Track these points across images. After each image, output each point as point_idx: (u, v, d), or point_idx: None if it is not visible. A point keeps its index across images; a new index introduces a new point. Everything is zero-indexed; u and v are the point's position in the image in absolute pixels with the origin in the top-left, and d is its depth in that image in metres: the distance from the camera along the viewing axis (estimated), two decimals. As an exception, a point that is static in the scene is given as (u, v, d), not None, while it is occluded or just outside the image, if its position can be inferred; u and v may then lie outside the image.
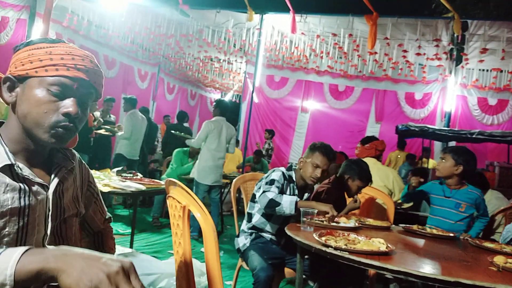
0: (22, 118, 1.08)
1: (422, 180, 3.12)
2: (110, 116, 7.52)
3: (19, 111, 1.09)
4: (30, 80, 1.08)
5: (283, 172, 2.84)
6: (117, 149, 6.84)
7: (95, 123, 6.64)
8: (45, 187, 1.11)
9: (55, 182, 1.14)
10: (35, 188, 1.08)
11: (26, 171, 1.07)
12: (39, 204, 1.09)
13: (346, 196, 3.29)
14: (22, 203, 1.04)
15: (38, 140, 1.09)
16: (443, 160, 3.01)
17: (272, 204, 2.58)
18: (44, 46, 1.10)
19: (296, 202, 2.56)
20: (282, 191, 2.76)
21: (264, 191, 2.67)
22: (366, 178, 3.13)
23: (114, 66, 10.51)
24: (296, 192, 2.86)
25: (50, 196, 1.12)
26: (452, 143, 7.34)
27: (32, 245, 1.06)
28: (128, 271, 0.79)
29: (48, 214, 1.12)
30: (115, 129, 6.84)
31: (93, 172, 3.74)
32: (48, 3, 4.57)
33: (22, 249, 0.78)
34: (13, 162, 1.05)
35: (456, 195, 2.98)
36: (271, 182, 2.74)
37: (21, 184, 1.05)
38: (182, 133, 6.48)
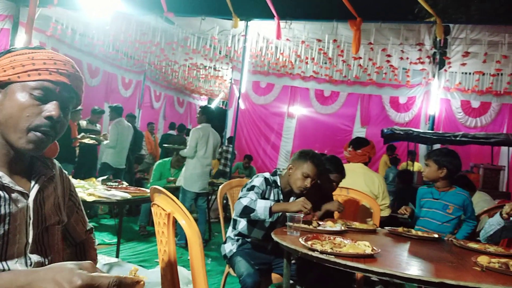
0: (2, 124, 1.08)
1: (409, 210, 3.11)
2: (95, 125, 7.49)
3: (0, 117, 1.08)
4: (12, 85, 1.08)
5: (265, 178, 2.82)
6: (103, 158, 6.79)
7: (79, 136, 6.61)
8: (25, 195, 1.11)
9: (35, 189, 1.14)
10: (15, 195, 1.08)
11: (5, 179, 1.07)
12: (20, 212, 1.08)
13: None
14: (2, 211, 1.03)
15: (15, 146, 1.08)
16: (427, 166, 3.06)
17: (246, 210, 2.57)
18: (26, 52, 1.11)
19: (270, 207, 2.55)
20: (263, 197, 2.75)
21: (240, 197, 2.67)
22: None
23: (98, 74, 10.44)
24: (281, 197, 2.86)
25: (31, 204, 1.11)
26: (437, 146, 7.43)
27: (13, 253, 1.06)
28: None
29: (29, 222, 1.11)
30: (100, 138, 6.80)
31: (77, 182, 3.72)
32: (30, 12, 4.55)
33: None
34: None
35: (444, 197, 3.02)
36: (251, 188, 2.73)
37: (1, 192, 1.04)
38: (175, 145, 6.51)
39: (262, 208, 2.54)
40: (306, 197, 2.61)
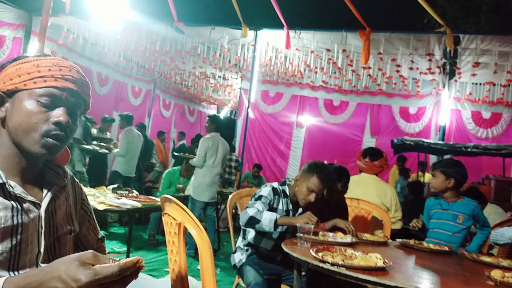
0: (13, 132, 1.09)
1: (421, 223, 3.10)
2: (106, 134, 7.53)
3: (9, 125, 1.09)
4: (19, 93, 1.09)
5: (273, 187, 2.81)
6: (113, 166, 6.82)
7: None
8: (37, 205, 1.11)
9: (47, 199, 1.14)
10: (27, 206, 1.08)
11: (18, 189, 1.07)
12: (32, 222, 1.08)
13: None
14: (15, 222, 1.03)
15: (29, 152, 1.09)
16: (434, 177, 3.04)
17: (252, 221, 2.56)
18: (31, 60, 1.12)
19: (276, 220, 2.53)
20: (271, 207, 2.74)
21: (246, 207, 2.66)
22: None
23: (107, 83, 10.53)
24: (291, 206, 2.85)
25: (43, 214, 1.11)
26: (447, 157, 7.36)
27: (25, 263, 1.06)
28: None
29: (41, 232, 1.11)
30: (111, 146, 6.84)
31: (88, 190, 3.74)
32: (43, 21, 4.60)
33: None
34: (5, 181, 1.05)
35: (453, 207, 2.99)
36: (259, 198, 2.73)
37: (13, 202, 1.04)
38: (186, 154, 6.53)
39: (267, 220, 2.54)
40: (313, 210, 2.61)
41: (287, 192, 2.86)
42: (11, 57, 7.47)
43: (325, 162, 2.99)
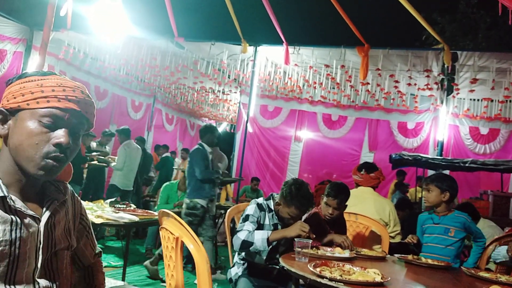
0: (13, 150, 1.09)
1: (416, 238, 3.12)
2: (105, 147, 7.55)
3: (10, 144, 1.10)
4: (21, 112, 1.09)
5: (258, 204, 2.80)
6: (111, 179, 6.81)
7: (93, 158, 6.68)
8: (37, 220, 1.11)
9: (46, 214, 1.14)
10: (27, 220, 1.08)
11: (18, 203, 1.07)
12: (31, 236, 1.08)
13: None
14: (14, 236, 1.03)
15: (28, 173, 1.09)
16: (429, 191, 3.06)
17: (245, 245, 2.56)
18: (35, 79, 1.12)
19: (268, 238, 2.53)
20: (259, 223, 2.73)
21: (237, 231, 2.65)
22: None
23: (105, 97, 10.55)
24: (277, 220, 2.83)
25: (42, 229, 1.11)
26: (446, 172, 7.37)
27: (22, 278, 1.05)
28: None
29: (39, 247, 1.10)
30: (109, 159, 6.84)
31: (85, 204, 3.72)
32: (44, 36, 4.62)
33: None
34: (6, 195, 1.05)
35: (444, 221, 3.03)
36: (246, 218, 2.72)
37: (13, 217, 1.05)
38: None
39: (260, 240, 2.54)
40: (310, 224, 2.60)
41: (272, 207, 2.86)
42: (10, 71, 7.53)
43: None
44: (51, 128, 1.10)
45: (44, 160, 1.08)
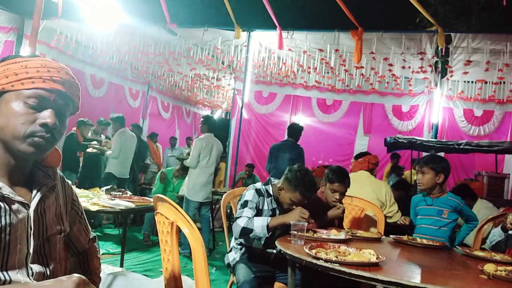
0: (0, 133, 1.08)
1: (408, 220, 3.22)
2: (100, 136, 7.52)
3: None
4: (6, 94, 1.08)
5: (256, 189, 2.80)
6: (107, 168, 6.80)
7: (89, 147, 6.68)
8: (26, 206, 1.10)
9: (36, 200, 1.13)
10: (15, 206, 1.07)
11: (6, 190, 1.06)
12: (20, 222, 1.07)
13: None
14: (3, 222, 1.03)
15: (16, 151, 1.08)
16: (424, 174, 3.06)
17: (245, 232, 2.57)
18: (19, 61, 1.11)
19: (267, 225, 2.54)
20: (257, 209, 2.73)
21: (236, 218, 2.66)
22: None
23: (102, 85, 10.49)
24: (275, 205, 2.85)
25: (32, 214, 1.11)
26: (441, 155, 7.40)
27: (14, 264, 1.05)
28: None
29: (30, 233, 1.10)
30: (104, 148, 6.83)
31: (81, 191, 3.72)
32: (34, 24, 4.57)
33: None
34: None
35: (437, 203, 3.06)
36: (244, 204, 2.71)
37: (1, 203, 1.04)
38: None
39: (259, 227, 2.54)
40: (305, 206, 2.61)
41: (271, 192, 2.86)
42: (2, 61, 7.46)
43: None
44: (37, 109, 1.09)
45: (31, 138, 1.07)
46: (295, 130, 6.28)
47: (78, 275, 0.79)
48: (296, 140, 6.20)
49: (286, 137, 6.48)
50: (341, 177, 3.00)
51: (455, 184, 6.38)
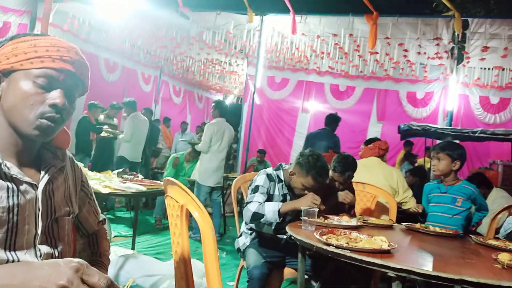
0: (7, 112, 1.07)
1: (421, 207, 3.25)
2: (113, 119, 7.56)
3: (4, 105, 1.07)
4: (15, 73, 1.06)
5: (267, 174, 2.78)
6: (119, 151, 6.84)
7: (104, 131, 6.73)
8: (34, 186, 1.09)
9: (44, 181, 1.12)
10: (23, 187, 1.06)
11: (14, 170, 1.05)
12: (28, 203, 1.06)
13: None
14: (11, 202, 1.02)
15: (25, 132, 1.07)
16: (439, 160, 3.01)
17: (256, 217, 2.56)
18: (28, 39, 1.08)
19: (279, 210, 2.53)
20: (268, 194, 2.72)
21: (247, 203, 2.64)
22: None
23: (116, 69, 10.52)
24: (286, 191, 2.82)
25: (40, 195, 1.10)
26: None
27: (22, 244, 1.05)
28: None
29: (38, 214, 1.09)
30: (117, 131, 6.86)
31: (93, 174, 3.74)
32: (46, 7, 4.57)
33: None
34: (0, 161, 1.03)
35: (451, 190, 3.02)
36: (255, 189, 2.70)
37: (8, 183, 1.03)
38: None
39: (271, 212, 2.53)
40: (317, 192, 2.59)
41: (282, 177, 2.84)
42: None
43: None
44: (46, 88, 1.07)
45: (39, 120, 1.05)
46: (332, 120, 6.39)
47: (77, 259, 0.77)
48: (333, 130, 6.28)
49: (324, 126, 6.54)
50: (343, 168, 3.02)
51: (469, 173, 6.30)
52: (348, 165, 3.06)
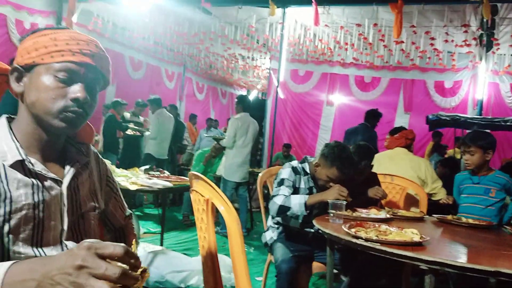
0: (31, 107, 1.06)
1: (452, 199, 3.18)
2: (138, 117, 7.65)
3: (27, 100, 1.07)
4: (36, 68, 1.06)
5: (293, 167, 2.75)
6: (146, 149, 6.91)
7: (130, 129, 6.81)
8: (59, 182, 1.09)
9: (68, 176, 1.12)
10: (48, 183, 1.06)
11: (38, 166, 1.05)
12: (54, 199, 1.07)
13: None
14: (36, 199, 1.02)
15: (49, 126, 1.07)
16: (472, 154, 2.91)
17: (282, 210, 2.54)
18: (48, 33, 1.08)
19: (305, 202, 2.50)
20: (294, 187, 2.69)
21: (273, 196, 2.62)
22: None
23: (141, 67, 10.65)
24: (312, 184, 2.78)
25: (65, 191, 1.10)
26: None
27: (49, 241, 1.05)
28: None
29: (64, 209, 1.09)
30: (143, 129, 6.94)
31: (120, 171, 3.78)
32: (70, 6, 4.64)
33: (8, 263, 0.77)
34: (24, 158, 1.03)
35: (484, 181, 2.93)
36: (281, 182, 2.68)
37: (33, 180, 1.03)
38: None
39: (297, 205, 2.51)
40: (342, 183, 2.54)
41: (307, 170, 2.80)
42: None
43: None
44: (67, 82, 1.06)
45: (63, 113, 1.05)
46: (371, 115, 6.42)
47: (88, 240, 0.76)
48: (372, 126, 6.27)
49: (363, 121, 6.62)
50: (358, 157, 2.94)
51: (501, 163, 6.11)
52: (363, 154, 2.99)
